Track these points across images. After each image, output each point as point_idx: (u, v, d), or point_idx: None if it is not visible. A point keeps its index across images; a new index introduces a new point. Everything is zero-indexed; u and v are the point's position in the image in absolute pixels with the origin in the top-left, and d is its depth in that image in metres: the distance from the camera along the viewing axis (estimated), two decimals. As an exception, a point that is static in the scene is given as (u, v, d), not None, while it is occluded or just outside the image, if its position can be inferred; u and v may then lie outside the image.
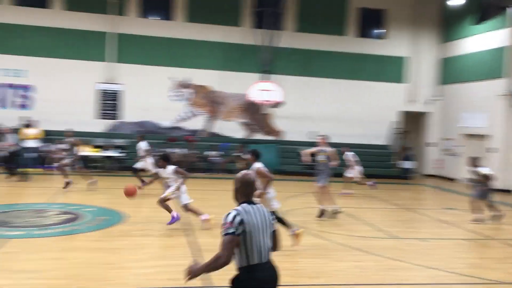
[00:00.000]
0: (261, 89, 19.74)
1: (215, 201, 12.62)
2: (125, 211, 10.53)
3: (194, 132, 20.76)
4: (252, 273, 3.52)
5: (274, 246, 3.78)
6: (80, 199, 11.86)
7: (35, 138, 17.10)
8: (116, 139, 19.61)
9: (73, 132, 14.26)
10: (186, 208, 9.25)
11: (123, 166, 18.34)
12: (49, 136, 18.26)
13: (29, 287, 5.77)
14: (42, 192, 13.03)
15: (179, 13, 20.71)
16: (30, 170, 16.83)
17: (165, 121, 20.59)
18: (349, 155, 15.15)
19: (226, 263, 3.44)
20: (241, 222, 3.49)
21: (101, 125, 19.66)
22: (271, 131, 21.58)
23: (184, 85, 20.70)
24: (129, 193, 9.69)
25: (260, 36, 20.37)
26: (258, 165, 7.89)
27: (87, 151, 18.00)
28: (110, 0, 19.60)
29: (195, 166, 18.95)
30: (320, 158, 10.92)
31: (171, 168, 9.20)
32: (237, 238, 3.47)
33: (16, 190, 13.59)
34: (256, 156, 8.05)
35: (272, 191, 7.94)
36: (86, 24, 19.68)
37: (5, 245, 7.44)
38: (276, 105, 20.38)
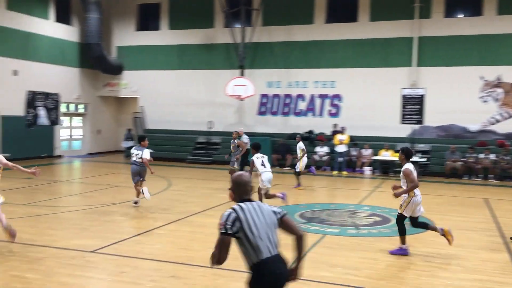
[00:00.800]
0: None
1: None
2: (430, 217, 10.34)
3: (508, 136, 18.69)
4: (264, 268, 3.50)
5: (294, 233, 3.73)
6: (386, 203, 12.20)
7: (344, 143, 18.52)
8: (420, 143, 19.47)
9: (238, 133, 14.96)
10: None
11: (426, 171, 18.03)
12: (356, 141, 19.51)
13: (345, 281, 6.24)
14: (352, 194, 14.01)
15: (489, 6, 19.03)
16: (344, 173, 18.37)
17: (474, 125, 19.22)
18: None
19: (219, 261, 3.50)
20: (236, 219, 3.50)
21: (405, 130, 19.80)
22: None
23: (495, 84, 18.89)
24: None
25: None
26: (407, 165, 7.44)
27: (390, 156, 18.44)
28: (416, 5, 19.58)
29: (508, 173, 17.06)
30: None
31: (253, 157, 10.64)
32: (229, 238, 3.49)
33: (330, 192, 15.02)
34: (408, 156, 7.57)
35: (419, 196, 7.45)
36: (390, 31, 20.21)
37: (322, 240, 8.29)
38: None
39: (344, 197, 13.90)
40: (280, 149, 20.15)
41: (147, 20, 24.47)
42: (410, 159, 7.61)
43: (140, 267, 6.70)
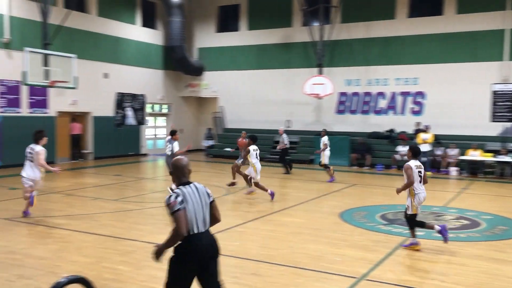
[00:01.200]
0: None
1: None
2: (526, 222, 9.65)
3: None
4: (192, 241, 4.03)
5: (214, 217, 4.30)
6: (475, 206, 11.55)
7: (428, 143, 17.76)
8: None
9: (246, 133, 14.83)
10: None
11: (520, 172, 16.83)
12: (440, 140, 18.63)
13: (431, 287, 5.97)
14: (437, 195, 13.38)
15: None
16: (428, 173, 17.60)
17: None
18: None
19: (183, 234, 3.97)
20: (182, 201, 4.02)
21: (495, 128, 18.58)
22: None
23: None
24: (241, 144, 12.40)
25: None
26: (409, 162, 7.63)
27: (478, 155, 17.42)
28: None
29: None
30: None
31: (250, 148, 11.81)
32: (183, 212, 3.99)
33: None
34: (414, 154, 7.72)
35: (423, 192, 7.63)
36: (478, 24, 19.08)
37: (405, 243, 7.98)
38: None
39: (428, 198, 13.08)
40: (360, 148, 19.74)
41: (227, 21, 24.99)
42: (417, 157, 7.76)
43: (222, 263, 6.79)
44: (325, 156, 15.45)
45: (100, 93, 20.91)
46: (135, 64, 22.86)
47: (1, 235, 8.05)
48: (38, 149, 9.02)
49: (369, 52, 21.28)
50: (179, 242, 4.06)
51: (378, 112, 21.29)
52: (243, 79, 24.13)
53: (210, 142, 23.99)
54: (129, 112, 22.52)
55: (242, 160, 13.44)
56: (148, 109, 23.95)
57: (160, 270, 6.47)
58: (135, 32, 22.89)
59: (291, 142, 22.09)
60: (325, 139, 15.56)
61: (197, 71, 25.03)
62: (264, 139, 22.95)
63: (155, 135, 25.08)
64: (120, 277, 6.15)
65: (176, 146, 12.00)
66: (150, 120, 24.41)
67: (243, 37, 24.26)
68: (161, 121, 25.53)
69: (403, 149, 19.00)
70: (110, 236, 8.12)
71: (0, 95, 16.99)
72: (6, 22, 17.01)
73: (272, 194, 11.63)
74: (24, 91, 17.63)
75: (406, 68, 20.58)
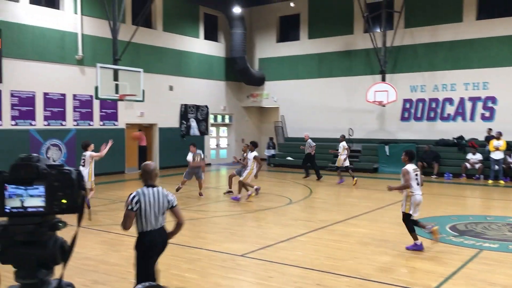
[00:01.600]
0: None
1: None
2: None
3: None
4: (146, 236, 4.85)
5: (177, 222, 5.05)
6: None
7: (501, 150, 16.87)
8: None
9: (247, 146, 14.42)
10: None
11: None
12: (514, 148, 17.65)
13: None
14: (511, 206, 12.70)
15: None
16: (501, 182, 16.72)
17: None
18: None
19: (125, 229, 4.87)
20: (137, 201, 4.79)
21: None
22: None
23: None
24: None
25: None
26: (406, 166, 7.84)
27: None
28: None
29: None
30: None
31: (252, 154, 12.94)
32: (133, 213, 4.80)
33: (485, 203, 13.80)
34: (411, 158, 7.94)
35: (418, 196, 7.76)
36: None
37: (478, 256, 7.62)
38: None
39: (502, 209, 12.63)
40: (426, 156, 19.06)
41: (287, 31, 25.11)
42: (413, 161, 7.97)
43: (286, 273, 6.86)
44: (341, 160, 16.52)
45: (166, 105, 21.62)
46: (199, 76, 23.46)
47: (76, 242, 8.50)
48: (89, 153, 10.72)
49: (435, 57, 20.59)
50: (137, 238, 4.90)
51: (445, 118, 20.50)
52: (304, 88, 24.08)
53: (272, 152, 24.09)
54: (193, 123, 23.11)
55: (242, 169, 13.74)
56: (211, 119, 24.47)
57: (225, 278, 6.60)
58: (198, 45, 23.52)
59: (354, 151, 21.78)
60: (344, 144, 16.74)
61: (258, 81, 25.29)
62: (326, 147, 22.74)
63: (217, 145, 25.55)
64: (187, 285, 6.30)
65: (189, 156, 13.67)
66: (213, 131, 24.89)
67: (304, 46, 24.26)
68: (223, 131, 25.99)
69: (473, 157, 18.18)
70: (177, 244, 8.32)
71: (74, 109, 18.02)
72: (79, 40, 18.05)
73: (256, 190, 13.01)
74: (96, 105, 18.59)
75: (475, 72, 19.70)
